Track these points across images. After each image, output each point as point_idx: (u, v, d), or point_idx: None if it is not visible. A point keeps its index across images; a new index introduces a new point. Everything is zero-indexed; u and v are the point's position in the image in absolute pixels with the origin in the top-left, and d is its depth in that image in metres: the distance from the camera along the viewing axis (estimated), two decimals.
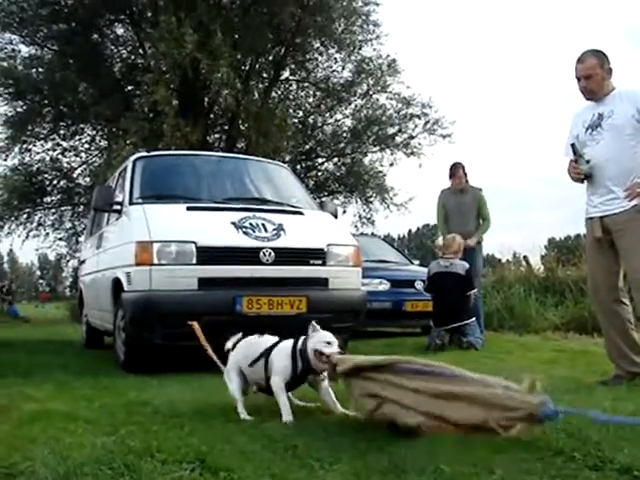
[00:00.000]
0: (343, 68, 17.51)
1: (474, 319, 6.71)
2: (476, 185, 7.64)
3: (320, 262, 5.37)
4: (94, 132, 17.60)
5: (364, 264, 6.14)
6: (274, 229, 5.29)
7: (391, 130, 17.54)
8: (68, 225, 18.68)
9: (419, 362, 2.70)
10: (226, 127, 16.82)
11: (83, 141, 17.79)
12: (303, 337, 3.11)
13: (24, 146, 16.84)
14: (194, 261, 4.97)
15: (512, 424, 2.21)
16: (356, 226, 18.21)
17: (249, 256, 5.09)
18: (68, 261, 19.75)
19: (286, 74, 17.58)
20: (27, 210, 17.80)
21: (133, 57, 16.89)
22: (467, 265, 6.71)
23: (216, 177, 6.32)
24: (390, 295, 8.48)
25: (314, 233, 5.58)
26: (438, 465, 2.19)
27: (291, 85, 18.20)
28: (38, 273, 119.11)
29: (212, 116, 16.68)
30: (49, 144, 17.29)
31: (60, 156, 17.63)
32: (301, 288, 5.21)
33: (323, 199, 14.88)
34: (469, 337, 6.51)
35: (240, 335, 3.43)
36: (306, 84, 17.92)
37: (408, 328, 9.27)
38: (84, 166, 18.07)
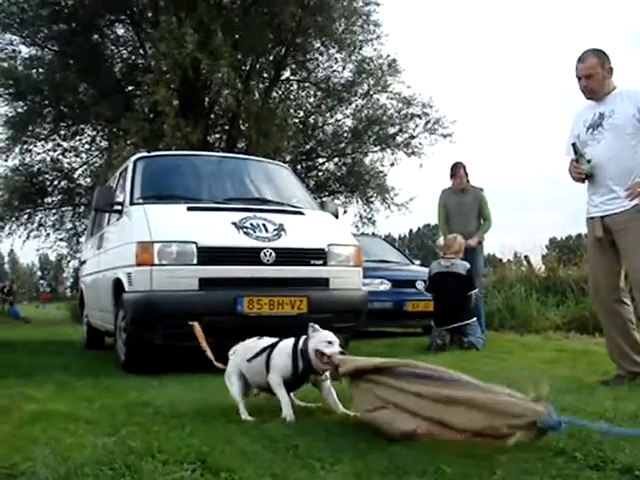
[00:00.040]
0: (344, 68, 17.53)
1: (475, 319, 6.71)
2: (477, 185, 7.65)
3: (321, 262, 5.37)
4: (94, 132, 17.61)
5: (365, 264, 6.14)
6: (275, 229, 5.29)
7: (392, 130, 17.53)
8: (69, 225, 18.71)
9: (420, 365, 2.69)
10: (227, 127, 16.82)
11: (84, 141, 17.82)
12: (304, 337, 3.10)
13: (25, 147, 16.86)
14: (195, 261, 4.97)
15: (513, 432, 2.16)
16: (357, 226, 18.23)
17: (250, 256, 5.09)
18: (69, 261, 19.76)
19: (287, 74, 17.60)
20: (28, 211, 17.80)
21: (133, 57, 16.89)
22: (468, 265, 6.71)
23: (217, 177, 6.33)
24: (391, 295, 8.47)
25: (315, 233, 5.58)
26: (439, 465, 2.19)
27: (292, 85, 18.21)
28: (39, 274, 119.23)
29: (212, 116, 16.68)
30: (50, 144, 17.32)
31: (61, 156, 17.67)
32: (302, 288, 5.21)
33: (324, 199, 14.86)
34: (470, 337, 6.50)
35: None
36: (307, 84, 17.92)
37: (409, 328, 9.26)
38: (85, 166, 18.10)
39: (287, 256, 5.20)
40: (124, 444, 2.52)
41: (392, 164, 17.81)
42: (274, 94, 17.14)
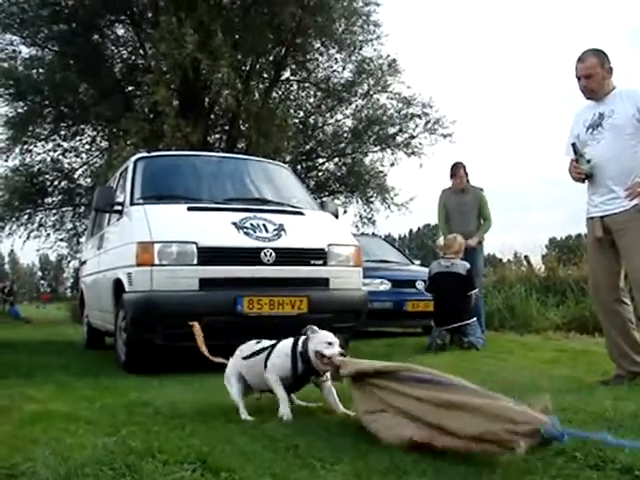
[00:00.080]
0: (344, 68, 17.53)
1: (475, 319, 6.71)
2: (477, 185, 7.65)
3: (321, 262, 5.37)
4: (95, 133, 17.61)
5: (365, 264, 6.14)
6: (275, 229, 5.29)
7: (392, 130, 17.53)
8: (69, 226, 18.71)
9: (421, 370, 2.67)
10: (226, 127, 16.82)
11: (84, 142, 17.81)
12: (303, 338, 3.10)
13: (25, 147, 16.86)
14: (195, 261, 4.97)
15: (514, 439, 2.11)
16: (357, 226, 18.23)
17: (250, 256, 5.09)
18: (69, 262, 19.75)
19: (287, 74, 17.59)
20: (28, 211, 17.80)
21: (134, 58, 16.89)
22: (468, 265, 6.70)
23: (217, 177, 6.33)
24: (391, 295, 8.47)
25: (315, 233, 5.58)
26: (439, 466, 2.19)
27: (292, 85, 18.20)
28: (39, 274, 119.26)
29: (212, 116, 16.68)
30: (50, 145, 17.33)
31: (61, 157, 17.68)
32: (302, 288, 5.21)
33: (324, 199, 14.85)
34: (470, 337, 6.50)
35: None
36: (307, 84, 17.92)
37: (409, 328, 9.26)
38: (85, 167, 18.10)
39: (287, 256, 5.20)
40: (124, 444, 2.52)
41: (392, 164, 17.84)
42: (274, 94, 17.14)
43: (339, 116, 18.32)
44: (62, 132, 17.16)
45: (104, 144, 17.47)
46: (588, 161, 3.97)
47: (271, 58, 16.63)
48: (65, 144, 17.42)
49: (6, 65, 15.66)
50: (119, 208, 5.86)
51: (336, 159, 18.59)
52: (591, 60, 3.94)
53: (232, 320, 4.93)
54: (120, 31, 16.86)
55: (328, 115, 18.37)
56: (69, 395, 3.93)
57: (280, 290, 5.12)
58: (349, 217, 18.40)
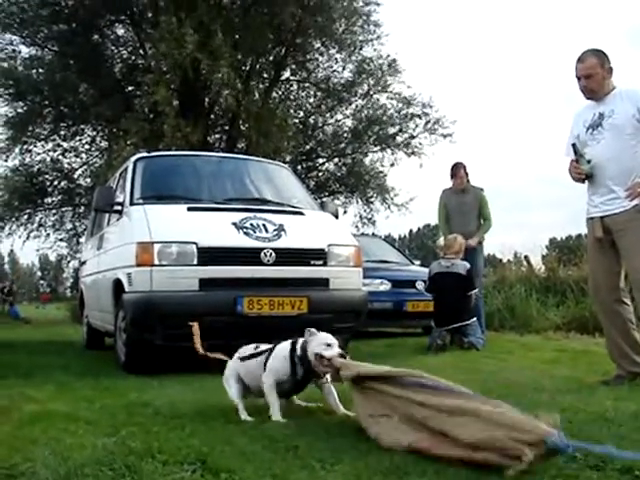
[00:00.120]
0: (344, 68, 17.52)
1: (475, 319, 6.71)
2: (477, 185, 7.64)
3: (321, 262, 5.37)
4: (94, 133, 17.61)
5: (365, 264, 6.14)
6: (275, 229, 5.29)
7: (392, 130, 17.53)
8: (69, 226, 18.70)
9: (426, 376, 2.66)
10: (226, 127, 16.82)
11: (84, 142, 17.81)
12: (301, 341, 3.10)
13: (25, 147, 16.86)
14: (195, 262, 4.97)
15: (518, 447, 2.06)
16: (357, 226, 18.23)
17: (250, 256, 5.09)
18: (69, 262, 19.75)
19: (287, 74, 17.59)
20: (28, 211, 17.80)
21: (133, 58, 16.89)
22: (468, 265, 6.70)
23: (217, 177, 6.32)
24: (391, 295, 8.48)
25: (315, 233, 5.58)
26: (440, 466, 2.19)
27: (292, 85, 18.20)
28: (39, 274, 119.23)
29: (212, 116, 16.68)
30: (50, 145, 17.32)
31: (61, 157, 17.67)
32: (302, 288, 5.20)
33: (324, 199, 14.82)
34: (470, 337, 6.50)
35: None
36: (307, 84, 17.91)
37: (409, 328, 9.26)
38: (85, 167, 18.09)
39: (287, 256, 5.20)
40: (124, 445, 2.52)
41: (392, 164, 17.84)
42: (274, 94, 17.13)
43: (339, 116, 18.35)
44: (62, 132, 17.16)
45: (104, 144, 17.47)
46: (588, 161, 3.97)
47: (271, 58, 16.63)
48: (65, 144, 17.44)
49: (6, 65, 15.66)
50: (119, 208, 5.86)
51: (336, 159, 18.58)
52: (591, 60, 3.94)
53: (232, 320, 4.92)
54: (120, 31, 16.88)
55: (328, 115, 18.37)
56: (69, 395, 3.93)
57: (280, 290, 5.11)
58: (349, 217, 18.43)
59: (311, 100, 18.39)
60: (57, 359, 6.29)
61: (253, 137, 14.62)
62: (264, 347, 3.27)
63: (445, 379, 2.67)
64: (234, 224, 5.22)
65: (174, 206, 5.50)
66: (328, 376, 3.07)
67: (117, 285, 5.43)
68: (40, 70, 15.99)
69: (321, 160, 18.82)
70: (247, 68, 15.92)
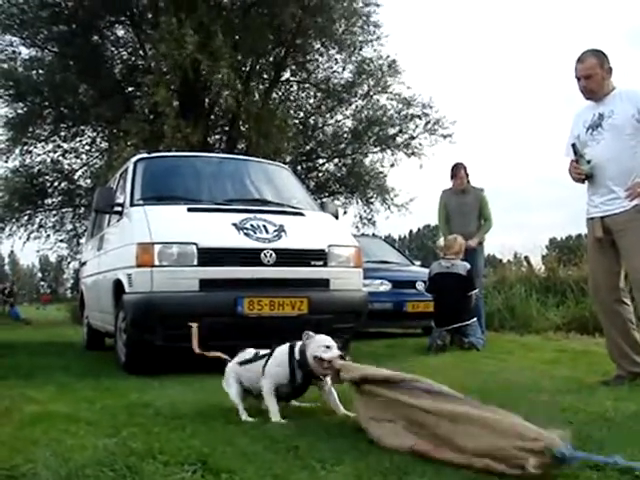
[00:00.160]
0: (344, 69, 17.53)
1: (475, 319, 6.71)
2: (477, 186, 7.64)
3: (321, 263, 5.37)
4: (95, 134, 17.62)
5: (365, 265, 6.14)
6: (275, 230, 5.29)
7: (392, 131, 17.53)
8: (69, 227, 18.71)
9: (427, 382, 2.66)
10: (227, 128, 16.83)
11: (84, 143, 17.81)
12: (299, 344, 3.10)
13: (25, 148, 16.87)
14: (195, 262, 4.97)
15: (522, 456, 2.03)
16: (357, 227, 18.22)
17: (250, 257, 5.09)
18: (69, 263, 19.76)
19: (287, 75, 17.59)
20: (28, 212, 17.80)
21: (133, 58, 16.90)
22: (468, 266, 6.70)
23: (217, 178, 6.32)
24: (391, 296, 8.48)
25: (315, 234, 5.58)
26: (440, 466, 2.19)
27: (292, 86, 18.20)
28: (39, 275, 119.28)
29: (213, 117, 16.68)
30: (50, 146, 17.33)
31: (61, 158, 17.68)
32: (302, 289, 5.20)
33: (324, 200, 14.82)
34: (470, 337, 6.50)
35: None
36: (307, 85, 17.92)
37: (409, 329, 9.26)
38: (85, 168, 18.10)
39: (287, 257, 5.20)
40: (125, 445, 2.52)
41: (392, 165, 17.84)
42: (274, 95, 17.14)
43: (339, 117, 18.35)
44: (62, 133, 17.17)
45: (104, 145, 17.49)
46: (588, 162, 3.97)
47: (271, 59, 16.64)
48: (65, 145, 17.45)
49: (6, 66, 15.66)
50: (119, 209, 5.86)
51: (336, 160, 18.58)
52: (590, 60, 3.95)
53: (232, 321, 4.92)
54: (120, 32, 16.90)
55: (328, 116, 18.37)
56: (69, 396, 3.93)
57: (280, 291, 5.11)
58: (349, 218, 18.43)
59: (311, 101, 18.41)
60: (58, 360, 6.29)
61: (253, 138, 14.63)
62: (264, 353, 3.27)
63: (446, 380, 2.67)
64: (234, 225, 5.22)
65: (174, 207, 5.50)
66: (328, 379, 3.08)
67: (117, 286, 5.44)
68: (40, 71, 16.00)
69: (321, 161, 18.83)
70: (247, 69, 15.93)
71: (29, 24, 15.07)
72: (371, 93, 17.37)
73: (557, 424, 2.20)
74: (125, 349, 5.30)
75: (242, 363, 3.25)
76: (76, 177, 18.16)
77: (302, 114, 18.44)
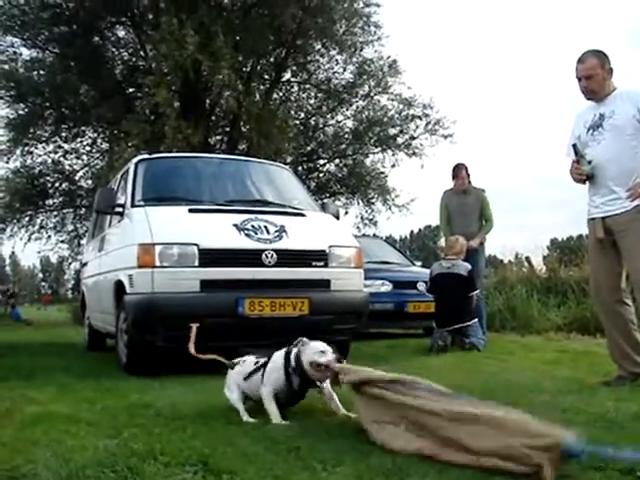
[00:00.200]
0: (344, 69, 17.53)
1: (476, 320, 6.71)
2: (478, 186, 7.64)
3: (322, 264, 5.37)
4: (95, 134, 17.63)
5: (366, 265, 6.13)
6: (276, 231, 5.28)
7: (392, 131, 17.53)
8: (70, 227, 18.73)
9: (427, 383, 2.65)
10: (227, 129, 16.84)
11: (85, 143, 17.82)
12: (294, 352, 3.10)
13: (26, 149, 16.88)
14: (196, 263, 4.96)
15: (532, 454, 2.01)
16: (358, 227, 18.23)
17: (251, 258, 5.08)
18: (70, 264, 19.79)
19: (287, 76, 17.60)
20: (29, 213, 17.82)
21: (134, 59, 16.90)
22: (469, 266, 6.70)
23: (218, 179, 6.32)
24: (392, 296, 8.47)
25: (316, 235, 5.57)
26: (441, 467, 2.19)
27: (292, 87, 18.20)
28: (40, 276, 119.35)
29: (213, 118, 16.69)
30: (51, 147, 17.34)
31: (62, 158, 17.68)
32: (303, 290, 5.20)
33: (325, 200, 14.79)
34: (471, 338, 6.50)
35: (243, 359, 3.45)
36: (307, 86, 17.92)
37: (410, 329, 9.26)
38: (86, 168, 18.12)
39: (288, 258, 5.19)
40: (126, 446, 2.52)
41: (393, 165, 17.84)
42: (275, 96, 17.15)
43: (340, 117, 18.35)
44: (63, 134, 17.17)
45: (105, 146, 17.51)
46: (589, 162, 3.97)
47: (272, 59, 16.64)
48: (66, 146, 17.46)
49: (7, 67, 15.68)
50: (120, 210, 5.86)
51: (337, 160, 18.59)
52: (591, 61, 3.95)
53: (233, 322, 4.92)
54: (121, 33, 16.90)
55: (329, 116, 18.38)
56: (70, 397, 3.93)
57: (281, 292, 5.11)
58: (350, 218, 18.44)
59: (312, 101, 18.41)
60: (58, 361, 6.29)
61: (254, 138, 14.62)
62: (263, 362, 3.27)
63: (447, 380, 2.67)
64: (235, 225, 5.22)
65: (175, 208, 5.50)
66: (326, 384, 3.08)
67: (118, 286, 5.44)
68: (41, 72, 16.01)
69: (322, 161, 18.83)
70: (248, 69, 15.92)
71: (30, 25, 15.09)
72: (372, 94, 17.37)
73: (558, 425, 2.19)
74: (126, 350, 5.30)
75: (246, 378, 3.24)
76: (77, 178, 18.20)
77: (303, 115, 18.46)
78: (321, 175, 18.87)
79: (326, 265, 5.38)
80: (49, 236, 18.34)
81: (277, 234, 5.26)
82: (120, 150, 13.43)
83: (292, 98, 18.38)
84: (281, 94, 17.87)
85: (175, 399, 3.70)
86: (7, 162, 16.71)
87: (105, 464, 2.28)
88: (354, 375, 2.85)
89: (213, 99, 15.63)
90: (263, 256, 5.09)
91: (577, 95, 4.09)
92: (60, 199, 18.07)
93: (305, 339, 3.11)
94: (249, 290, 5.02)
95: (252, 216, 5.37)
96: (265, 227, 5.28)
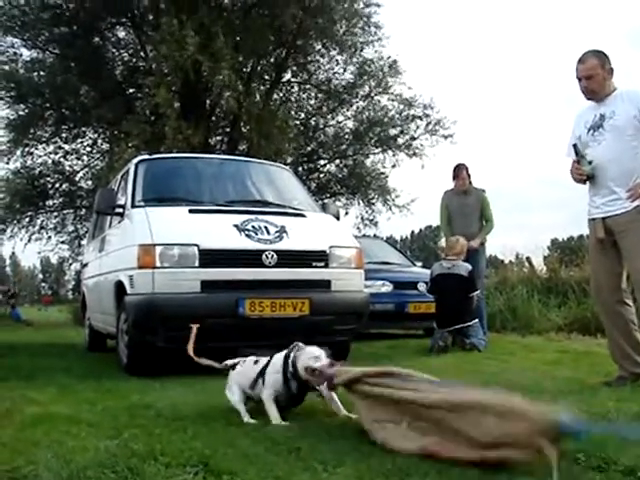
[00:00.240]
0: (345, 70, 17.55)
1: (477, 320, 6.70)
2: (479, 186, 7.64)
3: (322, 264, 5.36)
4: (96, 135, 17.64)
5: (367, 266, 6.13)
6: (276, 231, 5.28)
7: (393, 131, 17.53)
8: (70, 228, 18.74)
9: (422, 376, 2.66)
10: (228, 129, 16.84)
11: (85, 144, 17.84)
12: (292, 356, 3.11)
13: (26, 149, 16.90)
14: (197, 264, 4.96)
15: (533, 439, 2.02)
16: (358, 228, 18.23)
17: (252, 259, 5.08)
18: (70, 264, 19.79)
19: (288, 76, 17.61)
20: (29, 213, 17.83)
21: (134, 60, 16.92)
22: (470, 266, 6.69)
23: (218, 180, 6.32)
24: (393, 297, 8.47)
25: (316, 235, 5.57)
26: (442, 467, 2.19)
27: (293, 87, 18.21)
28: (40, 276, 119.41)
29: (214, 118, 16.70)
30: (51, 147, 17.35)
31: (62, 159, 17.70)
32: (304, 290, 5.19)
33: (325, 201, 14.79)
34: (472, 338, 6.49)
35: (238, 360, 3.46)
36: (308, 86, 17.92)
37: (411, 330, 9.25)
38: (86, 169, 18.13)
39: (289, 258, 5.19)
40: (126, 447, 2.52)
41: (393, 165, 17.85)
42: (275, 96, 17.16)
43: (340, 118, 18.35)
44: (63, 134, 17.19)
45: (105, 146, 17.51)
46: (589, 162, 3.97)
47: (272, 60, 16.65)
48: (66, 146, 17.48)
49: (7, 68, 15.70)
50: (120, 210, 5.86)
51: (337, 161, 18.60)
52: (592, 61, 3.94)
53: (234, 322, 4.92)
54: (121, 33, 16.92)
55: (329, 117, 18.38)
56: (71, 398, 3.93)
57: (282, 292, 5.11)
58: (350, 219, 18.44)
59: (312, 102, 18.42)
60: (59, 361, 6.29)
61: (254, 139, 14.63)
62: (263, 360, 3.28)
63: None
64: (236, 226, 5.22)
65: (176, 208, 5.50)
66: (323, 387, 3.09)
67: (119, 287, 5.44)
68: (41, 73, 16.04)
69: (322, 162, 18.84)
70: (248, 70, 15.93)
71: (30, 26, 15.11)
72: (372, 94, 17.38)
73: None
74: (127, 350, 5.30)
75: (251, 387, 3.24)
76: (77, 178, 18.21)
77: (303, 115, 18.46)
78: (321, 175, 18.87)
79: (326, 265, 5.38)
80: (49, 237, 18.39)
81: (277, 234, 5.26)
82: (120, 151, 13.43)
83: (292, 98, 18.39)
84: (281, 94, 17.87)
85: (176, 400, 3.70)
86: (7, 163, 16.77)
87: (106, 465, 2.27)
88: (345, 376, 2.85)
89: (213, 100, 15.64)
90: (263, 256, 5.09)
91: (577, 95, 4.09)
92: (60, 200, 18.08)
93: (300, 344, 3.12)
94: (249, 291, 5.02)
95: (252, 217, 5.37)
96: (265, 227, 5.28)
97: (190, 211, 5.39)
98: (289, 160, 16.18)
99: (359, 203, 18.41)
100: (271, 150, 14.16)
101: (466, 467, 2.17)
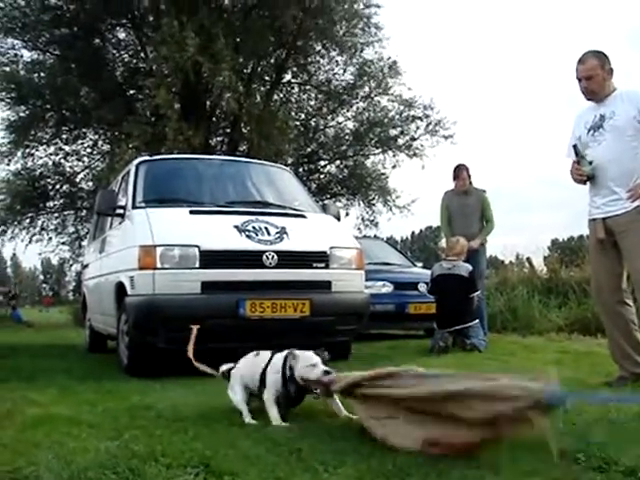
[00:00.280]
0: (345, 71, 17.56)
1: (477, 321, 6.70)
2: (479, 187, 7.64)
3: (323, 265, 5.37)
4: (96, 136, 17.65)
5: (367, 267, 6.13)
6: (277, 232, 5.29)
7: (393, 132, 17.54)
8: (71, 229, 18.75)
9: (415, 370, 2.69)
10: (228, 130, 16.85)
11: (85, 145, 17.85)
12: (290, 359, 3.11)
13: (27, 151, 16.92)
14: (197, 265, 4.97)
15: (523, 415, 2.11)
16: (359, 228, 18.25)
17: (252, 259, 5.08)
18: (71, 265, 19.80)
19: (288, 77, 17.62)
20: (30, 214, 17.84)
21: (135, 61, 16.94)
22: (470, 267, 6.69)
23: (219, 180, 6.33)
24: (393, 297, 8.47)
25: (317, 236, 5.58)
26: (442, 468, 2.19)
27: (293, 88, 18.22)
28: (41, 277, 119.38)
29: (214, 119, 16.70)
30: (51, 148, 17.37)
31: (63, 160, 17.72)
32: (304, 291, 5.20)
33: (326, 202, 14.80)
34: (472, 339, 6.49)
35: (232, 364, 3.47)
36: (308, 87, 17.94)
37: (411, 330, 9.25)
38: (87, 170, 18.13)
39: (289, 259, 5.20)
40: (127, 448, 2.52)
41: (394, 166, 17.86)
42: (275, 97, 17.17)
43: (340, 118, 18.36)
44: (64, 136, 17.20)
45: (106, 148, 17.53)
46: (590, 163, 3.97)
47: (272, 61, 16.66)
48: (67, 148, 17.49)
49: (8, 69, 15.72)
50: (121, 212, 5.86)
51: (337, 161, 18.60)
52: (591, 61, 3.95)
53: (234, 323, 4.92)
54: (121, 35, 16.93)
55: (329, 117, 18.39)
56: (71, 399, 3.93)
57: (282, 293, 5.11)
58: (351, 219, 18.46)
59: (312, 103, 18.43)
60: (60, 362, 6.29)
61: (254, 140, 14.64)
62: (263, 354, 3.30)
63: None
64: (236, 227, 5.22)
65: (176, 209, 5.50)
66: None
67: (120, 288, 5.44)
68: (42, 74, 16.05)
69: (322, 162, 18.85)
70: (248, 71, 15.94)
71: (31, 27, 15.12)
72: (372, 95, 17.39)
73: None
74: (127, 351, 5.30)
75: (259, 389, 3.24)
76: (78, 180, 18.24)
77: (303, 116, 18.48)
78: (322, 176, 18.88)
79: (327, 266, 5.38)
80: (50, 238, 18.41)
81: (278, 235, 5.27)
82: (121, 152, 13.43)
83: (292, 99, 18.40)
84: (281, 95, 17.88)
85: (176, 401, 3.70)
86: (8, 164, 16.80)
87: (106, 466, 2.28)
88: (342, 381, 2.86)
89: (214, 101, 15.64)
90: (264, 257, 5.09)
91: (578, 96, 4.09)
92: (61, 201, 18.10)
93: (295, 351, 3.12)
94: (250, 291, 5.02)
95: (253, 217, 5.37)
96: (266, 228, 5.29)
97: (191, 212, 5.39)
98: (289, 161, 16.19)
99: (359, 204, 18.45)
100: (271, 151, 14.18)
101: (465, 468, 2.17)
